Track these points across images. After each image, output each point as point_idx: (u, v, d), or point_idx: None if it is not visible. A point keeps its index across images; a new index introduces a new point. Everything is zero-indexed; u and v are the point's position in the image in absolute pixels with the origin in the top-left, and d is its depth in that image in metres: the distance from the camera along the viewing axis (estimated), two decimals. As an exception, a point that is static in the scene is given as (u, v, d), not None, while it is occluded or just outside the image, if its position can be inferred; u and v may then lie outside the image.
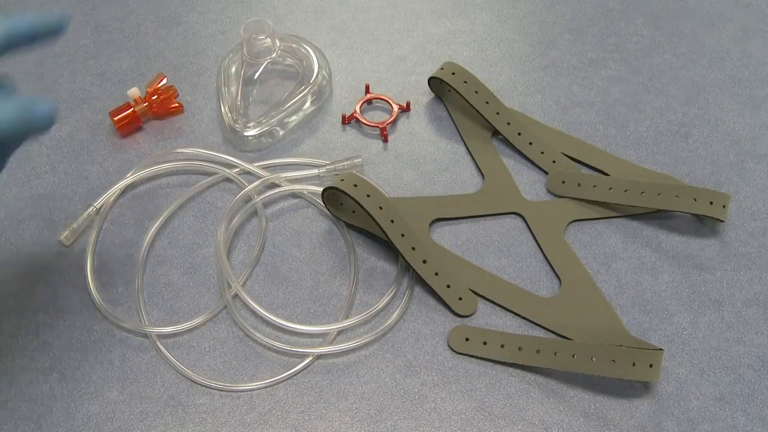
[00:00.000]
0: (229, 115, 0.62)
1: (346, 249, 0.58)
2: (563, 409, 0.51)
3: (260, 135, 0.62)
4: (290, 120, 0.63)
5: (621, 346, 0.51)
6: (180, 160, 0.61)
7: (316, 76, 0.64)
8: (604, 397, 0.51)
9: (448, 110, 0.66)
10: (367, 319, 0.54)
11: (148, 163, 0.61)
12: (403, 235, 0.55)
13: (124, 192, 0.60)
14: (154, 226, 0.58)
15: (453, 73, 0.64)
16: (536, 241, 0.59)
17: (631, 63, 0.70)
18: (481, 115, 0.64)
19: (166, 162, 0.61)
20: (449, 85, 0.63)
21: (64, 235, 0.57)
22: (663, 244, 0.59)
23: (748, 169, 0.63)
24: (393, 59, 0.70)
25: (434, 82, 0.66)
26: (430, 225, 0.59)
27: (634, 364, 0.50)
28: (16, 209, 0.59)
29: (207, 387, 0.51)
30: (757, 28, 0.73)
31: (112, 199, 0.59)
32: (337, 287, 0.56)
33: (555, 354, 0.51)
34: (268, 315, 0.53)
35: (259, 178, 0.60)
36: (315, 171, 0.60)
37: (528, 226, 0.59)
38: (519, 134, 0.64)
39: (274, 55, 0.65)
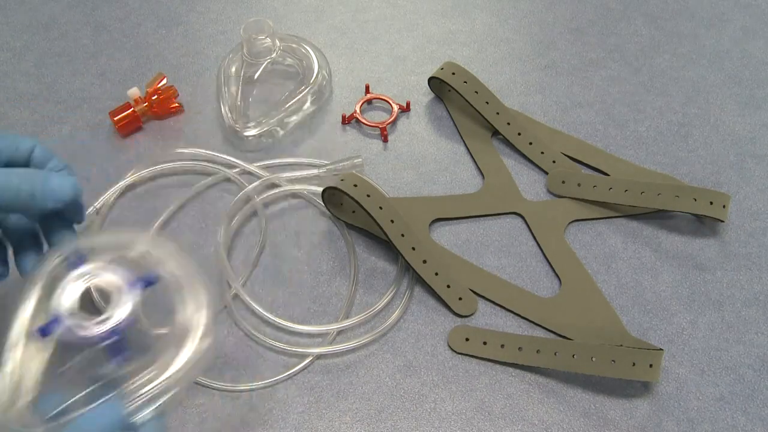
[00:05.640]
0: (229, 115, 0.62)
1: (346, 249, 0.58)
2: (563, 409, 0.51)
3: (260, 135, 0.62)
4: (290, 120, 0.63)
5: (621, 346, 0.51)
6: (180, 160, 0.61)
7: (316, 76, 0.64)
8: (604, 397, 0.51)
9: (448, 110, 0.66)
10: (367, 319, 0.54)
11: (148, 163, 0.61)
12: (403, 235, 0.55)
13: (124, 192, 0.60)
14: (154, 227, 0.58)
15: (453, 73, 0.64)
16: (536, 241, 0.59)
17: (631, 63, 0.70)
18: (481, 115, 0.64)
19: (166, 162, 0.61)
20: (449, 85, 0.63)
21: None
22: (663, 244, 0.59)
23: (748, 169, 0.63)
24: (393, 59, 0.70)
25: (434, 82, 0.66)
26: (430, 225, 0.59)
27: (634, 364, 0.50)
28: (16, 209, 0.59)
29: (207, 387, 0.51)
30: (757, 28, 0.73)
31: (112, 199, 0.59)
32: (337, 287, 0.56)
33: (555, 354, 0.51)
34: (268, 315, 0.53)
35: (259, 178, 0.60)
36: (315, 171, 0.60)
37: (528, 226, 0.59)
38: (519, 134, 0.64)
39: (274, 55, 0.65)
